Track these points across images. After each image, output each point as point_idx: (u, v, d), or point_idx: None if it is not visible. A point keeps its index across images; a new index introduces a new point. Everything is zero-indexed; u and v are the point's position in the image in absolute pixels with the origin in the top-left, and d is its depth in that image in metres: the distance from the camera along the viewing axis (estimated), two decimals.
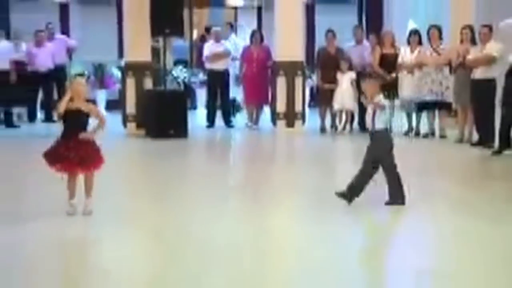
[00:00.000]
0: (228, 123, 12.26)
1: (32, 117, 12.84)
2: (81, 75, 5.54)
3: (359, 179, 5.81)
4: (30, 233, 5.16)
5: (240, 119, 12.87)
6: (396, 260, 4.58)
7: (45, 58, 12.73)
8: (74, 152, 5.40)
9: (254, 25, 15.52)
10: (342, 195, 5.82)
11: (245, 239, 5.09)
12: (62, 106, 5.45)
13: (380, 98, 5.82)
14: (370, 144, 5.87)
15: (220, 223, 5.45)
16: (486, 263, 4.51)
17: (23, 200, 6.33)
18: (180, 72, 14.00)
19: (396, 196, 5.85)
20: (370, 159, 5.82)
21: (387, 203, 5.84)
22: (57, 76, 12.75)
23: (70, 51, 13.31)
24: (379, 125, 5.81)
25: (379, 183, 5.92)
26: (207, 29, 14.92)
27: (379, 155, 5.81)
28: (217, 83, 12.25)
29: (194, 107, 14.57)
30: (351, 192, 5.81)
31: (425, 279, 4.20)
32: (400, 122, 11.22)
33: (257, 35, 12.30)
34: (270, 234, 5.29)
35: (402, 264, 4.45)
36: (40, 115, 13.02)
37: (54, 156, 5.45)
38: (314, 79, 12.35)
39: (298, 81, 11.68)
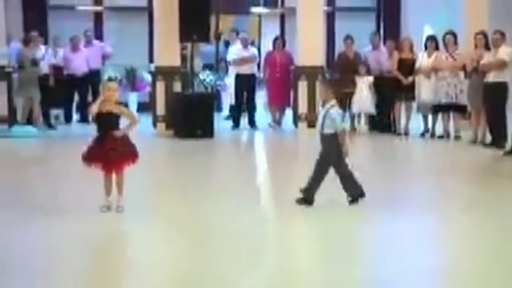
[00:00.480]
0: (252, 124, 12.35)
1: (68, 118, 13.04)
2: (112, 80, 5.66)
3: (313, 181, 5.78)
4: (66, 226, 5.26)
5: (263, 120, 12.94)
6: (409, 257, 4.56)
7: (80, 63, 12.94)
8: (112, 151, 5.51)
9: (277, 31, 15.59)
10: (301, 201, 5.79)
11: (270, 237, 5.16)
12: (94, 108, 5.59)
13: (334, 103, 5.77)
14: (321, 148, 5.84)
15: (245, 220, 5.52)
16: (497, 260, 4.50)
17: (60, 196, 6.43)
18: (206, 76, 14.11)
19: (355, 190, 5.83)
20: (321, 162, 5.80)
21: (351, 202, 5.82)
22: (91, 80, 12.94)
23: (105, 57, 13.49)
24: (328, 129, 5.77)
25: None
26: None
27: (330, 159, 5.78)
28: (244, 86, 12.36)
29: (220, 109, 14.67)
30: (308, 195, 5.78)
31: (437, 276, 4.21)
32: (417, 124, 11.23)
33: (279, 41, 12.40)
34: (291, 230, 5.36)
35: (416, 262, 4.44)
36: (75, 116, 13.21)
37: (93, 157, 5.56)
38: None
39: (319, 84, 11.73)
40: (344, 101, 11.31)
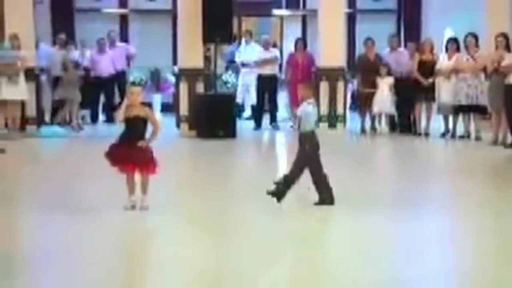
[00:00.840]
0: (274, 125, 12.32)
1: (94, 119, 13.13)
2: (135, 83, 5.71)
3: (287, 179, 5.75)
4: (90, 225, 5.31)
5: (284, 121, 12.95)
6: (427, 257, 4.55)
7: (106, 64, 13.01)
8: (134, 156, 5.57)
9: (299, 33, 15.56)
10: (272, 193, 5.76)
11: (290, 236, 5.16)
12: (121, 114, 5.63)
13: (311, 101, 5.82)
14: (299, 146, 5.84)
15: (266, 219, 5.52)
16: (506, 261, 4.46)
17: (87, 195, 6.50)
18: (229, 77, 14.13)
19: (325, 196, 5.79)
20: (298, 161, 5.78)
21: (316, 203, 5.77)
22: (117, 81, 13.03)
23: (129, 58, 13.56)
24: (305, 128, 5.78)
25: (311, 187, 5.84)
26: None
27: (307, 156, 5.78)
28: (266, 87, 12.36)
29: (242, 110, 14.66)
30: (279, 192, 5.75)
31: (458, 276, 4.20)
32: (437, 124, 11.15)
33: (301, 43, 12.35)
34: (311, 229, 5.35)
35: (435, 262, 4.42)
36: (101, 116, 13.29)
37: (116, 158, 5.62)
38: (354, 84, 12.38)
39: (340, 85, 11.69)
40: (365, 102, 11.35)
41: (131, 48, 13.75)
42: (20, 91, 10.79)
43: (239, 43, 14.43)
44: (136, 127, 5.64)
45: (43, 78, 12.18)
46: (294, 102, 12.36)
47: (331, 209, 5.76)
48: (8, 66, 10.67)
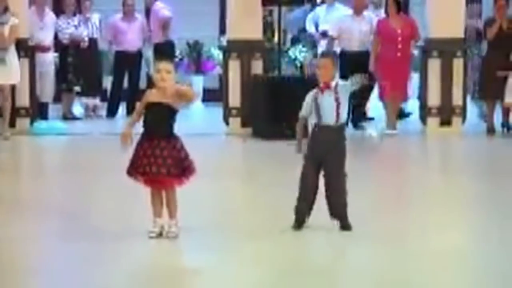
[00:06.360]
0: (357, 123, 12.14)
1: (112, 112, 13.28)
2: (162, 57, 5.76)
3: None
4: (108, 258, 5.37)
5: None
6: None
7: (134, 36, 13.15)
8: (154, 160, 5.59)
9: None
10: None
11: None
12: (134, 118, 5.73)
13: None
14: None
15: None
16: None
17: (100, 217, 6.55)
18: (298, 53, 14.10)
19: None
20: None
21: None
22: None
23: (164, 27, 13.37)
24: None
25: None
26: None
27: None
28: (353, 68, 12.21)
29: None
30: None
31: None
32: None
33: (392, 2, 12.00)
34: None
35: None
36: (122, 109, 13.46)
37: (135, 166, 5.67)
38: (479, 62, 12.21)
39: (458, 64, 11.54)
40: (495, 88, 11.16)
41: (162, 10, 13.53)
42: (7, 72, 10.86)
43: (313, 5, 14.38)
44: (157, 118, 5.63)
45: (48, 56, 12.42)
46: (387, 90, 12.19)
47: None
48: None
